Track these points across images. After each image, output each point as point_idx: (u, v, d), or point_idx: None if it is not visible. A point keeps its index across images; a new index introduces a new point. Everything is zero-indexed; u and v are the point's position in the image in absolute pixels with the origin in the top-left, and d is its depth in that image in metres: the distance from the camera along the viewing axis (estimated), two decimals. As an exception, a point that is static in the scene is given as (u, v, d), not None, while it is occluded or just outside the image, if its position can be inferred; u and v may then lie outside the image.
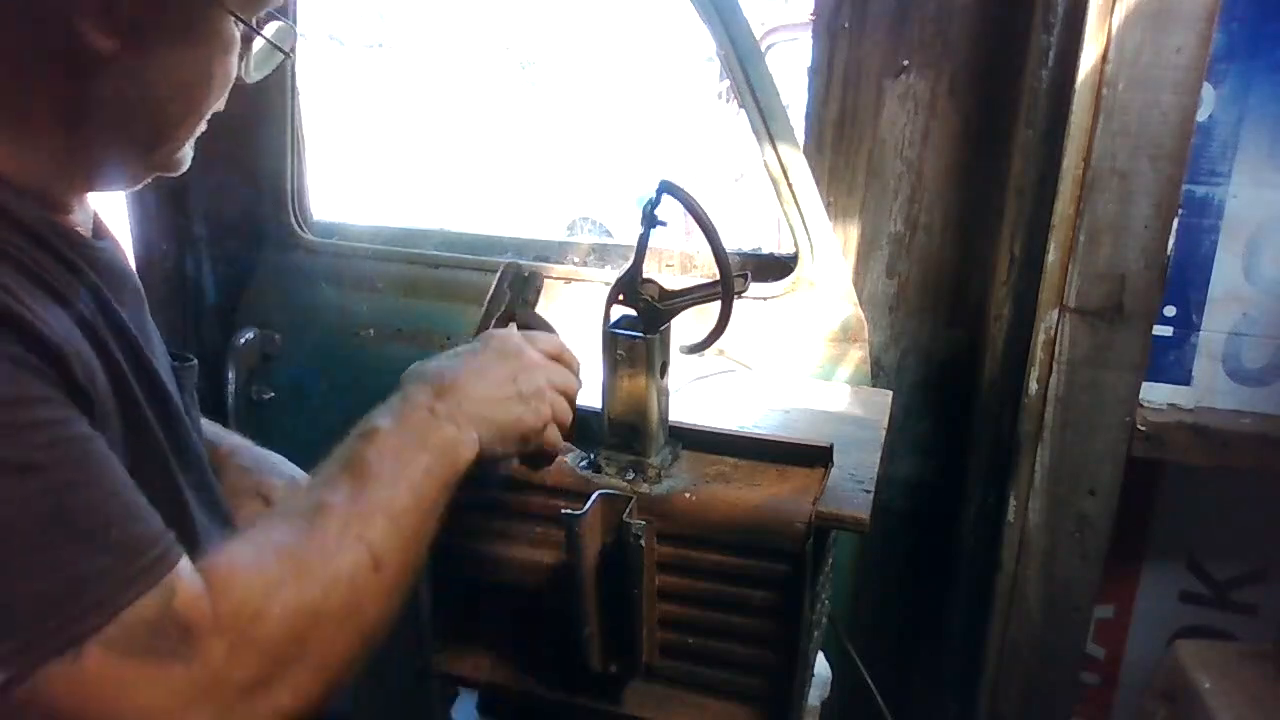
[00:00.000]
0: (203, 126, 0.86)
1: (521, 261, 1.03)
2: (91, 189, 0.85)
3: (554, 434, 0.90)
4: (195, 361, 0.98)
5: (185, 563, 0.67)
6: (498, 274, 0.99)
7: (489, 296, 0.98)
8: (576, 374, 0.94)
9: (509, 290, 0.99)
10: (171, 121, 0.80)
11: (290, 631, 0.67)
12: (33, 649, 0.59)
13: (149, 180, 0.88)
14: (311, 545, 0.70)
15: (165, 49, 0.75)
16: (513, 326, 0.96)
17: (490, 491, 0.98)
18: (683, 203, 0.94)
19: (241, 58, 0.84)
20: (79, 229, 0.83)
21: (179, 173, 0.87)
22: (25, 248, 0.72)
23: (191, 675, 0.63)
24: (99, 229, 0.89)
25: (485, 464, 0.84)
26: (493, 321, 0.96)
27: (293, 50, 0.91)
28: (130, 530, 0.65)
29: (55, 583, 0.60)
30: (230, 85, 0.83)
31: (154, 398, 0.83)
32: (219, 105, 0.84)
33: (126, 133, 0.79)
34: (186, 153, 0.86)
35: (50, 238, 0.76)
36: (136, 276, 0.92)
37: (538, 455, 0.91)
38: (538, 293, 1.02)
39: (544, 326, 0.99)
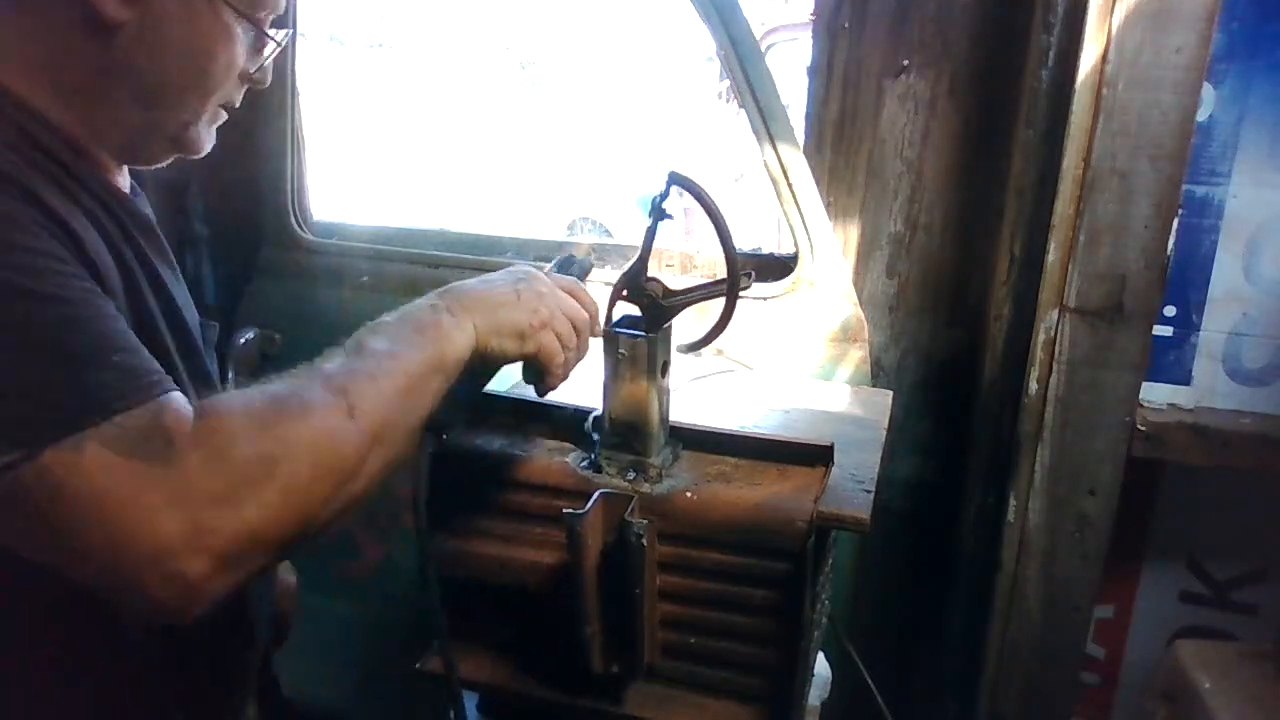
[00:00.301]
0: (215, 112, 0.96)
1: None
2: (123, 159, 0.96)
3: (551, 341, 0.93)
4: (217, 325, 1.13)
5: (179, 394, 0.76)
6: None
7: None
8: (590, 312, 0.98)
9: (556, 270, 1.06)
10: (176, 91, 0.90)
11: (258, 453, 0.73)
12: (43, 433, 0.69)
13: (171, 160, 0.99)
14: (292, 391, 0.78)
15: (169, 22, 0.86)
16: None
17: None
18: (693, 193, 0.93)
19: (253, 59, 0.94)
20: (117, 183, 0.96)
21: (197, 154, 0.98)
22: (61, 175, 0.84)
23: (169, 480, 0.70)
24: (134, 190, 1.02)
25: (488, 360, 0.91)
26: None
27: (283, 44, 0.99)
28: (130, 361, 0.75)
29: (64, 386, 0.71)
30: (235, 71, 0.93)
31: (172, 322, 0.96)
32: (229, 94, 0.95)
33: (140, 99, 0.90)
34: (201, 132, 0.96)
35: (88, 180, 0.88)
36: (164, 239, 1.03)
37: (538, 365, 0.94)
38: (585, 272, 1.09)
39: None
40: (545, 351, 0.93)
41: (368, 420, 0.78)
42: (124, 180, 0.99)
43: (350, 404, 0.77)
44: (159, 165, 1.00)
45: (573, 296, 0.97)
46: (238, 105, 0.99)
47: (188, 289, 1.08)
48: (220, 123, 0.99)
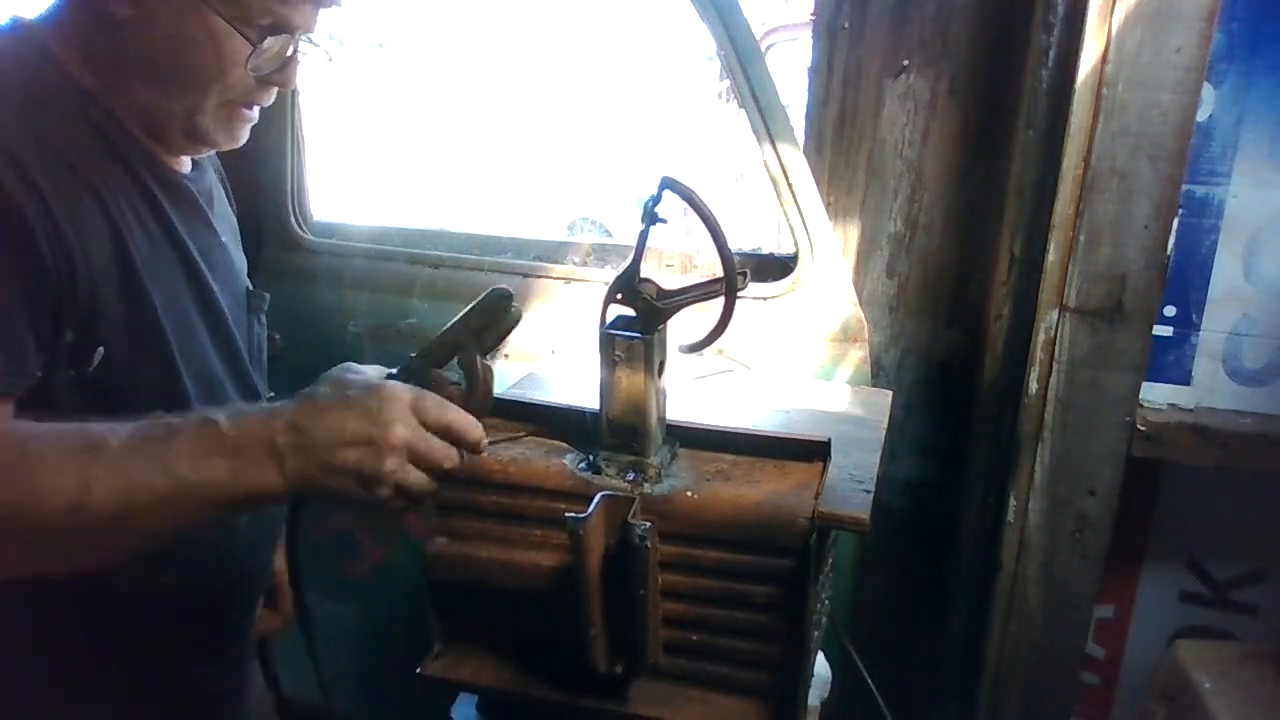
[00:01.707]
0: (228, 108, 1.02)
1: (507, 292, 0.91)
2: (157, 143, 1.04)
3: (393, 495, 0.86)
4: (267, 295, 1.22)
5: None
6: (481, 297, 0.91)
7: (455, 320, 0.91)
8: (461, 437, 0.88)
9: (474, 316, 0.90)
10: (172, 83, 0.99)
11: None
12: None
13: (202, 150, 1.09)
14: (48, 454, 0.78)
15: (161, 21, 0.95)
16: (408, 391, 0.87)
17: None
18: (685, 198, 0.93)
19: (270, 61, 1.00)
20: (169, 162, 1.07)
21: (215, 145, 1.06)
22: (89, 149, 0.96)
23: None
24: (196, 165, 1.13)
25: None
26: (436, 348, 0.91)
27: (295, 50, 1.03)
28: None
29: None
30: (230, 71, 0.98)
31: (199, 292, 1.06)
32: (237, 92, 1.01)
33: (147, 86, 0.99)
34: (208, 125, 1.02)
35: (127, 151, 0.99)
36: (211, 212, 1.13)
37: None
38: (501, 334, 0.91)
39: (479, 376, 0.90)
40: (395, 497, 0.86)
41: (87, 519, 0.78)
42: (176, 158, 1.09)
43: (80, 498, 0.77)
44: (197, 154, 1.11)
45: (441, 423, 0.86)
46: (263, 104, 1.06)
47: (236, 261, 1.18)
48: (246, 121, 1.06)
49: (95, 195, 0.94)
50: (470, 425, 0.88)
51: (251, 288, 1.21)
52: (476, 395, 0.91)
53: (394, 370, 0.93)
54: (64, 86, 0.97)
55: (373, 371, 0.92)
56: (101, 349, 0.93)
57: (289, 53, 1.01)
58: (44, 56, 0.97)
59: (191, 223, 1.08)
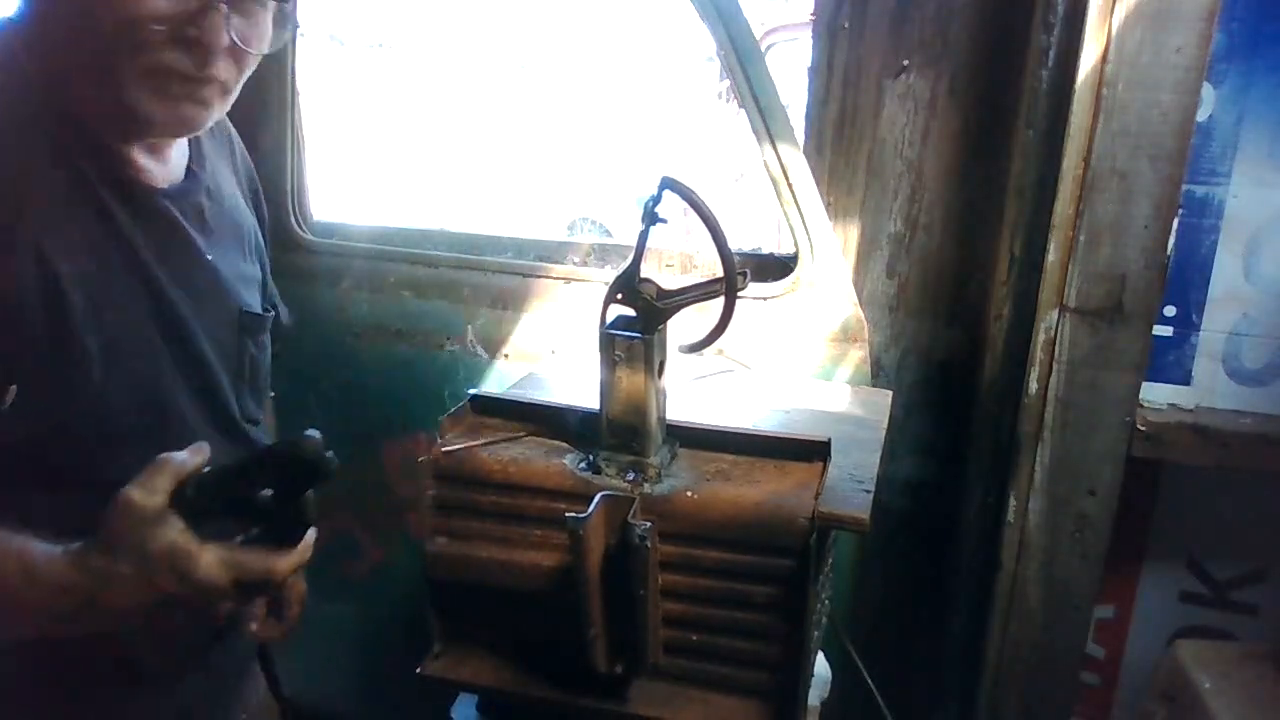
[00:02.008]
0: (155, 81, 0.92)
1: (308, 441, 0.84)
2: (118, 136, 0.97)
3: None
4: (270, 313, 1.17)
5: None
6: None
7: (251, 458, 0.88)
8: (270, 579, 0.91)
9: (272, 467, 0.86)
10: (90, 57, 0.91)
11: None
12: None
13: (144, 135, 0.99)
14: None
15: None
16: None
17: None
18: (685, 198, 0.93)
19: (188, 22, 0.90)
20: (143, 177, 1.00)
21: (157, 127, 0.96)
22: (39, 173, 0.90)
23: None
24: (190, 174, 1.06)
25: None
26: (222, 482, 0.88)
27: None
28: None
29: None
30: (135, 28, 0.88)
31: (162, 318, 1.00)
32: (156, 57, 0.90)
33: (78, 72, 0.93)
34: (140, 101, 0.92)
35: (87, 168, 0.94)
36: (201, 227, 1.05)
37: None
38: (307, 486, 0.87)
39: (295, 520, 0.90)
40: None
41: None
42: (160, 169, 1.02)
43: None
44: (151, 138, 1.00)
45: (264, 583, 0.91)
46: (198, 72, 0.93)
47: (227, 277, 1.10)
48: (186, 96, 0.94)
49: (28, 229, 0.88)
50: (290, 564, 0.91)
51: (256, 307, 1.15)
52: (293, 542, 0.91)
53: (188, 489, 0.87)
54: (24, 97, 0.92)
55: (159, 497, 0.86)
56: (14, 388, 0.88)
57: (198, 4, 0.89)
58: (10, 61, 0.92)
59: (162, 242, 1.00)
